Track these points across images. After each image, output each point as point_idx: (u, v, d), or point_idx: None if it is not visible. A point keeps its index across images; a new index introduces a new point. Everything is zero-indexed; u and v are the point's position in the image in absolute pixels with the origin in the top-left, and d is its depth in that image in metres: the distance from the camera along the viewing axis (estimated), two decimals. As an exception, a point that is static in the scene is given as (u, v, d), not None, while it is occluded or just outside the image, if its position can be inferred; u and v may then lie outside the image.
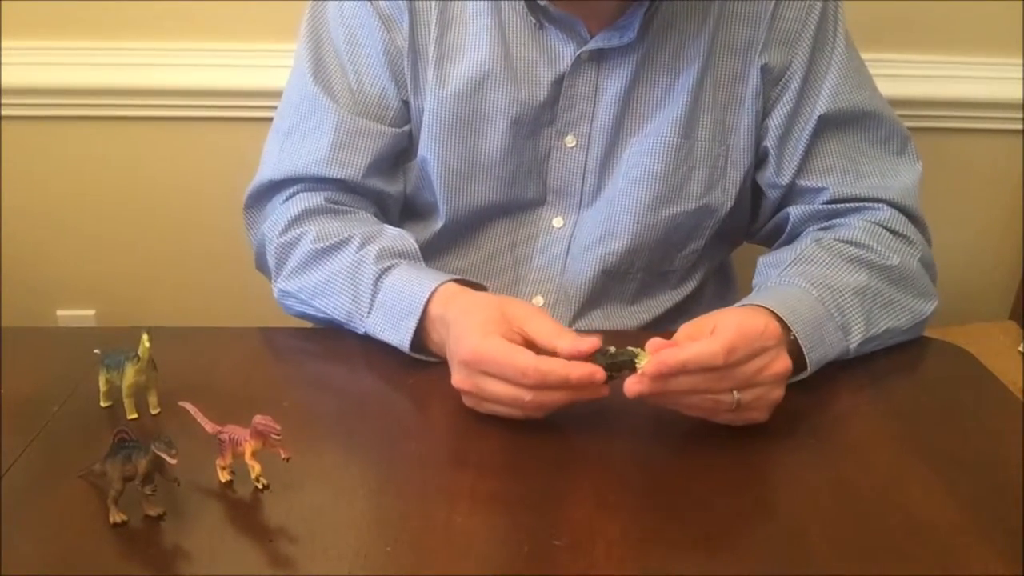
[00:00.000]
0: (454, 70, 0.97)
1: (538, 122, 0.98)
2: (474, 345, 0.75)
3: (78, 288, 1.61)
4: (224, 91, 1.45)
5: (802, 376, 0.81)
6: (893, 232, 0.96)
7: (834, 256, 0.91)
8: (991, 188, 1.59)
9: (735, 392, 0.72)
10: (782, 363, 0.74)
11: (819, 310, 0.84)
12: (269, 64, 1.38)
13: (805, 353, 0.81)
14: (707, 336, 0.73)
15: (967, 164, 1.56)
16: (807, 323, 0.82)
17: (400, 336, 0.85)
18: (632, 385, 0.71)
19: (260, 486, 0.67)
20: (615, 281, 1.03)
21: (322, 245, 0.92)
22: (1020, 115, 1.50)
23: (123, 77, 1.44)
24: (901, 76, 1.47)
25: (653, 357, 0.71)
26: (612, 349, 0.74)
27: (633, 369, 0.72)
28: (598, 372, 0.72)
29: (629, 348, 0.74)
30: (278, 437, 0.65)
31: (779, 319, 0.80)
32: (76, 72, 1.44)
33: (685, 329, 0.76)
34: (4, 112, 1.45)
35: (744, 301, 0.86)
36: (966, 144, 1.54)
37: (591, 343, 0.74)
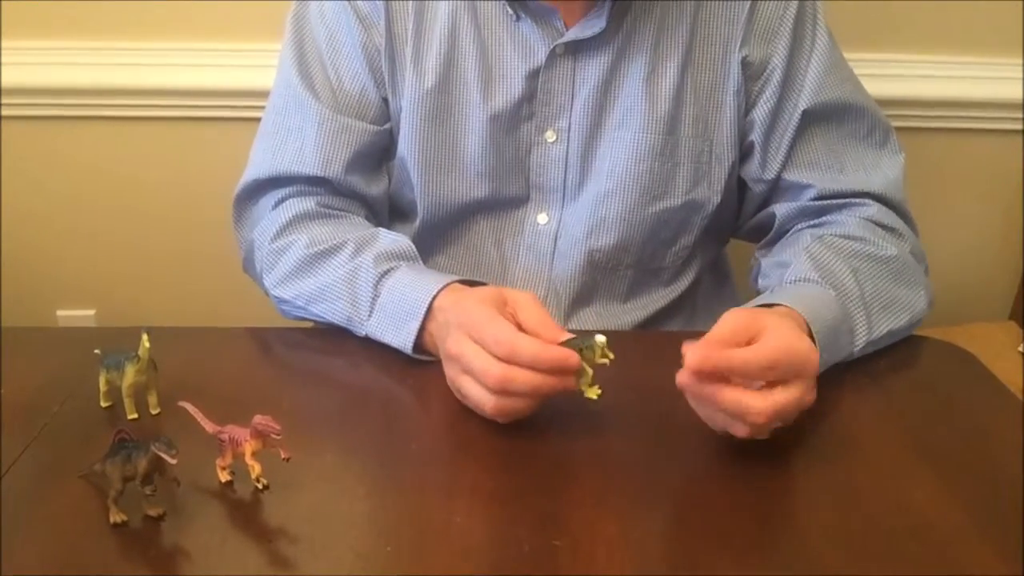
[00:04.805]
0: (430, 67, 0.97)
1: (516, 117, 0.99)
2: (468, 309, 0.76)
3: (78, 288, 1.61)
4: (224, 91, 1.45)
5: None
6: (883, 227, 0.97)
7: (837, 254, 0.91)
8: (991, 188, 1.59)
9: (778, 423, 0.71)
10: (812, 397, 0.73)
11: (836, 312, 0.84)
12: (268, 64, 1.37)
13: (819, 355, 0.81)
14: (750, 328, 0.72)
15: (967, 164, 1.56)
16: (826, 325, 0.82)
17: (402, 338, 0.85)
18: (680, 376, 0.69)
19: (260, 486, 0.66)
20: (605, 277, 1.04)
21: (315, 251, 0.92)
22: (1020, 115, 1.50)
23: (123, 77, 1.44)
24: (901, 76, 1.47)
25: (697, 350, 0.69)
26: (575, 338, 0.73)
27: (591, 357, 0.71)
28: (571, 356, 0.71)
29: (593, 335, 0.72)
30: (278, 437, 0.65)
31: (807, 325, 0.80)
32: (76, 72, 1.44)
33: (727, 323, 0.72)
34: (4, 112, 1.45)
35: (765, 299, 0.86)
36: (966, 144, 1.54)
37: (570, 335, 0.73)
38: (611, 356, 0.72)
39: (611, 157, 0.99)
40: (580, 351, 0.72)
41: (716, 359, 0.69)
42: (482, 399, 0.73)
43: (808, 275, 0.88)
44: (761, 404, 0.69)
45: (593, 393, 0.72)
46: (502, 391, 0.72)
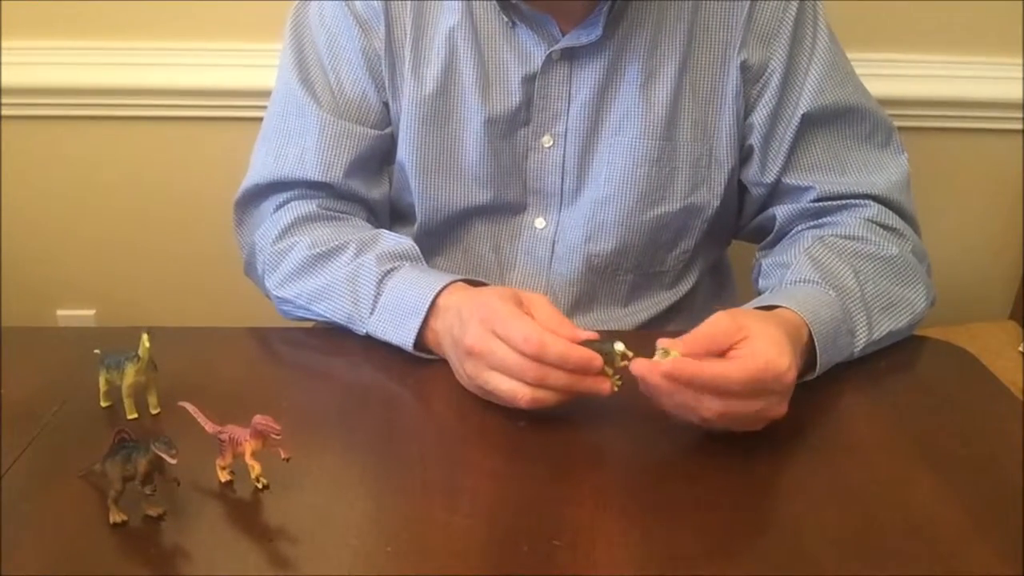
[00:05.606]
0: (428, 72, 0.97)
1: (514, 123, 0.98)
2: (490, 304, 0.77)
3: (78, 288, 1.61)
4: (224, 91, 1.45)
5: (808, 378, 0.82)
6: (884, 227, 0.97)
7: (839, 255, 0.91)
8: (991, 188, 1.59)
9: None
10: (780, 410, 0.74)
11: (836, 313, 0.85)
12: (268, 64, 1.37)
13: (818, 356, 0.81)
14: (731, 335, 0.73)
15: (967, 164, 1.56)
16: (825, 326, 0.82)
17: (403, 335, 0.85)
18: (639, 367, 0.71)
19: (260, 486, 0.67)
20: (604, 282, 1.04)
21: (317, 251, 0.93)
22: (1020, 115, 1.50)
23: (123, 77, 1.44)
24: (901, 76, 1.47)
25: (671, 360, 0.71)
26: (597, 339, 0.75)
27: (611, 361, 0.73)
28: (595, 358, 0.72)
29: (613, 342, 0.74)
30: (278, 437, 0.65)
31: (806, 326, 0.81)
32: (76, 72, 1.44)
33: (714, 326, 0.74)
34: (4, 112, 1.45)
35: (765, 299, 0.86)
36: (966, 144, 1.54)
37: (588, 333, 0.75)
38: (631, 355, 0.73)
39: (608, 162, 0.98)
40: (601, 354, 0.73)
41: (690, 372, 0.69)
42: (518, 392, 0.74)
43: (808, 276, 0.88)
44: (713, 403, 0.70)
45: (614, 385, 0.74)
46: (541, 384, 0.73)
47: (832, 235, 0.95)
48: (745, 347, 0.72)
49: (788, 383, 0.73)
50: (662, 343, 0.72)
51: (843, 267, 0.89)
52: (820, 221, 1.00)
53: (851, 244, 0.93)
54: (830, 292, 0.86)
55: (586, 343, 0.74)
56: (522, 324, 0.74)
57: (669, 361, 0.70)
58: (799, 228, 1.01)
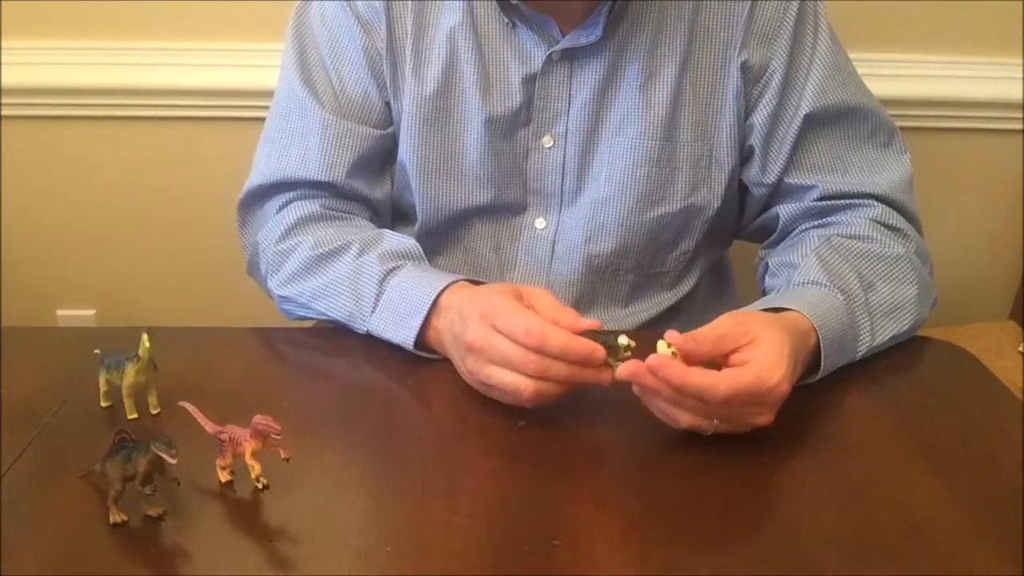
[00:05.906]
0: (429, 72, 0.97)
1: (514, 123, 0.99)
2: (490, 299, 0.77)
3: (78, 288, 1.61)
4: (224, 91, 1.45)
5: (810, 380, 0.82)
6: (888, 227, 0.97)
7: (844, 257, 0.91)
8: (991, 188, 1.59)
9: (715, 420, 0.73)
10: (766, 419, 0.74)
11: (843, 318, 0.85)
12: (269, 64, 1.37)
13: (822, 359, 0.81)
14: (737, 339, 0.73)
15: (967, 164, 1.56)
16: (833, 331, 0.82)
17: (404, 334, 0.85)
18: (625, 368, 0.72)
19: (260, 486, 0.67)
20: (605, 282, 1.04)
21: (321, 251, 0.93)
22: (1020, 115, 1.50)
23: (123, 77, 1.44)
24: (901, 76, 1.47)
25: (657, 356, 0.71)
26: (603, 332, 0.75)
27: (616, 353, 0.73)
28: (598, 350, 0.73)
29: (617, 335, 0.74)
30: (278, 437, 0.65)
31: (815, 331, 0.81)
32: (76, 72, 1.44)
33: (720, 328, 0.74)
34: (4, 112, 1.45)
35: (775, 300, 0.86)
36: (966, 144, 1.54)
37: (591, 322, 0.75)
38: (633, 345, 0.74)
39: (608, 163, 0.98)
40: (605, 346, 0.73)
41: (672, 374, 0.70)
42: (520, 384, 0.74)
43: (817, 278, 0.88)
44: (694, 403, 0.71)
45: (614, 372, 0.74)
46: (542, 377, 0.73)
47: (838, 235, 0.95)
48: (747, 352, 0.72)
49: (778, 396, 0.73)
50: (669, 337, 0.72)
51: (848, 271, 0.89)
52: (825, 220, 1.00)
53: (858, 245, 0.93)
54: (838, 296, 0.86)
55: (589, 334, 0.74)
56: (523, 317, 0.74)
57: (655, 357, 0.70)
58: (804, 227, 1.01)
